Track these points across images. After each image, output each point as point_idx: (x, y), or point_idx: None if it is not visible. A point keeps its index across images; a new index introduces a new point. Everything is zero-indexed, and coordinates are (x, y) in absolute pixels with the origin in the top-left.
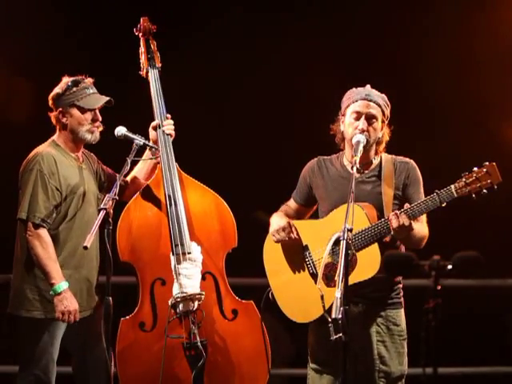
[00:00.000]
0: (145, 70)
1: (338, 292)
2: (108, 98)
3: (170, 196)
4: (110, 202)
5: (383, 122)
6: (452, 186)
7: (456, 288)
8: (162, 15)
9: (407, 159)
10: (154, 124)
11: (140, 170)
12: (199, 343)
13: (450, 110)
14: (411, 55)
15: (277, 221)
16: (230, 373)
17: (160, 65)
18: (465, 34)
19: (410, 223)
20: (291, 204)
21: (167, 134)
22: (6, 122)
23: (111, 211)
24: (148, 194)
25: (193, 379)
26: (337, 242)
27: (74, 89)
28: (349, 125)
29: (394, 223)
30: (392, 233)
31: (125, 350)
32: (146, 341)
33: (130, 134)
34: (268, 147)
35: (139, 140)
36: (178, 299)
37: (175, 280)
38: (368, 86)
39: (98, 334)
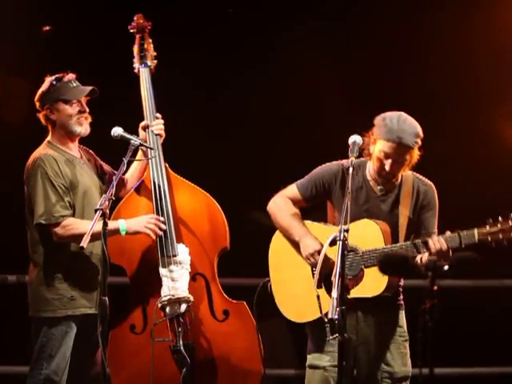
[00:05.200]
0: (136, 68)
1: (334, 292)
2: (92, 88)
3: (156, 197)
4: (107, 203)
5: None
6: (475, 232)
7: (453, 288)
8: (156, 13)
9: (428, 182)
10: (143, 124)
11: (134, 170)
12: (181, 347)
13: (447, 109)
14: (411, 55)
15: (311, 243)
16: (222, 374)
17: (153, 63)
18: (463, 34)
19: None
20: (293, 194)
21: (156, 134)
22: (3, 121)
23: (107, 211)
24: (138, 196)
25: (181, 382)
26: (333, 243)
27: (58, 85)
28: (376, 159)
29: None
30: None
31: (116, 353)
32: (137, 343)
33: (127, 135)
34: (260, 147)
35: (135, 140)
36: (165, 302)
37: (163, 283)
38: (402, 119)
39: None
